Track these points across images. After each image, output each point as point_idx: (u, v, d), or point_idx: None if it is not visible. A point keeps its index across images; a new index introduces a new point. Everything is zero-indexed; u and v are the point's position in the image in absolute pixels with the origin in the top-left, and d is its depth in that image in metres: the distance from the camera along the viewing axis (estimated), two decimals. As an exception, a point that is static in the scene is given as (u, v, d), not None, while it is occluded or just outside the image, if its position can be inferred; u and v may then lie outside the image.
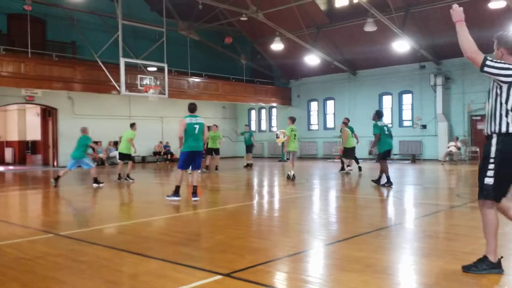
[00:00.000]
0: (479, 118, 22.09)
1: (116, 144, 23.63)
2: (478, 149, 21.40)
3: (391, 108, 24.99)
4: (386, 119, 25.39)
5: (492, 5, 17.00)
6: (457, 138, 21.64)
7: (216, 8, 21.77)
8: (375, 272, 4.35)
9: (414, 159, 22.83)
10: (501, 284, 4.03)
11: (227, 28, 25.42)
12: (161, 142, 25.53)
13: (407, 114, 24.68)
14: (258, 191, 12.07)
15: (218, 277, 4.17)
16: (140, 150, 24.65)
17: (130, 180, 14.23)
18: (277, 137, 22.17)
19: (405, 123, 24.67)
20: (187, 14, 23.28)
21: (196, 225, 7.19)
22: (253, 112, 31.14)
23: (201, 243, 5.80)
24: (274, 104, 29.03)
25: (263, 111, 30.78)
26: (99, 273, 4.42)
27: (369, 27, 20.49)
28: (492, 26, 19.00)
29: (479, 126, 21.89)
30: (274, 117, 30.28)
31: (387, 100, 25.27)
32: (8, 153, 24.51)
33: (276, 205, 9.53)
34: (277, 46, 23.76)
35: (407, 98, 24.62)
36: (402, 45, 21.04)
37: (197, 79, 24.70)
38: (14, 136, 24.53)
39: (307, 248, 5.54)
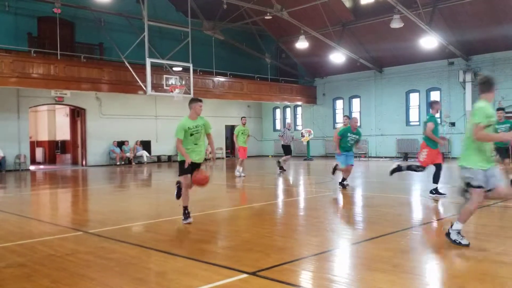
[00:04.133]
0: (510, 114, 21.42)
1: (143, 143, 23.99)
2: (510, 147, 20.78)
3: (419, 105, 24.56)
4: (414, 116, 25.05)
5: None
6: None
7: (241, 7, 21.81)
8: (402, 272, 4.29)
9: (443, 157, 22.36)
10: None
11: (251, 27, 25.45)
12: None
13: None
14: (284, 190, 12.05)
15: (244, 275, 4.19)
16: (166, 150, 24.96)
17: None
18: (302, 136, 21.83)
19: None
20: (211, 14, 23.40)
21: (221, 224, 7.22)
22: (278, 111, 31.10)
23: (227, 242, 5.83)
24: (299, 103, 28.91)
25: (288, 110, 30.70)
26: (127, 270, 4.49)
27: (396, 24, 20.15)
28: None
29: (511, 123, 21.25)
30: (299, 116, 30.16)
31: (414, 98, 24.84)
32: (39, 153, 25.15)
33: (301, 204, 9.50)
34: (301, 44, 23.64)
35: (435, 95, 24.13)
36: (429, 42, 20.61)
37: (222, 79, 24.82)
38: (44, 136, 25.16)
39: (333, 247, 5.50)
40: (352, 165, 10.99)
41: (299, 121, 30.03)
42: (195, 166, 6.99)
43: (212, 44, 24.92)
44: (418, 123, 24.55)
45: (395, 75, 25.05)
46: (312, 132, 25.53)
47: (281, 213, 8.38)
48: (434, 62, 23.29)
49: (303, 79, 29.21)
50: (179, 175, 7.06)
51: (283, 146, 16.46)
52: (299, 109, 30.12)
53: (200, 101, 7.26)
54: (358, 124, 11.24)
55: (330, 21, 22.55)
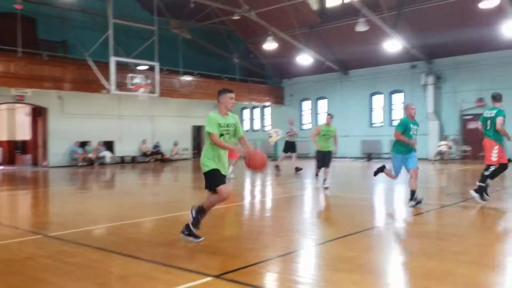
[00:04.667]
0: (471, 117, 22.17)
1: (106, 144, 23.46)
2: (470, 148, 21.54)
3: (383, 107, 25.11)
4: (377, 118, 25.59)
5: (482, 5, 17.07)
6: (447, 137, 21.78)
7: (208, 6, 21.69)
8: (366, 272, 4.35)
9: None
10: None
11: (219, 27, 25.36)
12: (144, 141, 24.93)
13: (397, 114, 24.79)
14: (251, 191, 12.05)
15: (209, 278, 4.14)
16: (130, 150, 24.53)
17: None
18: (270, 136, 21.94)
19: (396, 123, 24.71)
20: (178, 13, 23.17)
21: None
22: (246, 112, 31.10)
23: (191, 245, 5.76)
24: (268, 103, 29.02)
25: (256, 111, 30.75)
26: (88, 274, 4.37)
27: (361, 27, 20.52)
28: (483, 25, 19.18)
29: (470, 125, 22.00)
30: (267, 117, 30.25)
31: (378, 100, 25.37)
32: (-3, 153, 24.25)
33: (268, 205, 9.52)
34: (269, 45, 23.73)
35: (398, 98, 24.74)
36: (393, 45, 21.10)
37: (188, 78, 24.61)
38: (3, 136, 24.26)
39: (299, 248, 5.51)
40: (417, 169, 8.05)
41: (267, 121, 30.13)
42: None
43: (179, 43, 24.70)
44: (382, 124, 25.11)
45: (360, 77, 25.50)
46: (279, 132, 25.63)
47: (247, 214, 8.36)
48: (397, 65, 23.83)
49: (271, 80, 29.35)
50: (211, 188, 5.39)
51: (288, 143, 15.87)
52: (267, 110, 30.23)
53: (231, 91, 5.54)
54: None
55: (297, 23, 22.73)
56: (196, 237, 5.55)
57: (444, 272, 4.30)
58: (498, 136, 8.14)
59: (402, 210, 8.32)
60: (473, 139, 21.61)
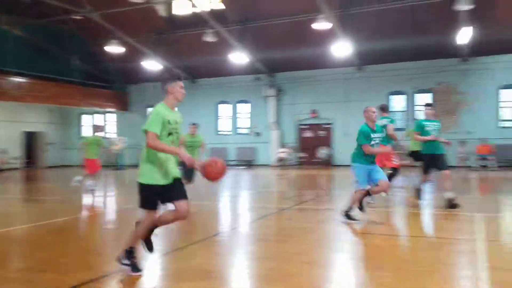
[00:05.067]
0: (306, 127, 24.32)
1: None
2: (305, 155, 23.63)
3: (232, 116, 26.04)
4: (224, 126, 26.35)
5: (315, 26, 18.73)
6: (286, 145, 23.61)
7: (44, 3, 19.87)
8: (211, 278, 4.34)
9: (250, 164, 24.04)
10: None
11: (60, 26, 23.44)
12: None
13: (243, 122, 25.90)
14: (92, 203, 11.28)
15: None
16: None
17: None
18: (114, 144, 20.69)
19: (241, 131, 25.87)
20: (9, 7, 20.81)
21: (14, 244, 6.33)
22: (85, 117, 29.21)
23: (18, 263, 5.13)
24: (111, 109, 27.71)
25: (98, 117, 29.12)
26: None
27: (209, 38, 20.97)
28: (317, 44, 21.09)
29: (305, 134, 24.20)
30: (111, 123, 28.83)
31: (226, 109, 26.19)
32: None
33: (111, 216, 9.02)
34: (113, 48, 22.68)
35: (243, 107, 25.85)
36: (239, 57, 21.98)
37: (20, 79, 22.20)
38: None
39: (142, 260, 5.28)
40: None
41: (112, 128, 28.72)
42: (175, 186, 4.27)
43: (10, 41, 22.17)
44: (230, 132, 25.99)
45: (208, 86, 26.04)
46: (125, 140, 24.69)
47: (85, 228, 7.78)
48: (243, 77, 24.93)
49: (115, 85, 28.12)
50: (141, 207, 4.36)
51: None
52: (112, 116, 28.85)
53: (181, 79, 4.57)
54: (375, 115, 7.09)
55: (145, 28, 22.25)
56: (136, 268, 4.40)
57: (283, 273, 4.50)
58: (390, 141, 8.77)
59: (246, 215, 8.62)
60: (308, 147, 23.87)
